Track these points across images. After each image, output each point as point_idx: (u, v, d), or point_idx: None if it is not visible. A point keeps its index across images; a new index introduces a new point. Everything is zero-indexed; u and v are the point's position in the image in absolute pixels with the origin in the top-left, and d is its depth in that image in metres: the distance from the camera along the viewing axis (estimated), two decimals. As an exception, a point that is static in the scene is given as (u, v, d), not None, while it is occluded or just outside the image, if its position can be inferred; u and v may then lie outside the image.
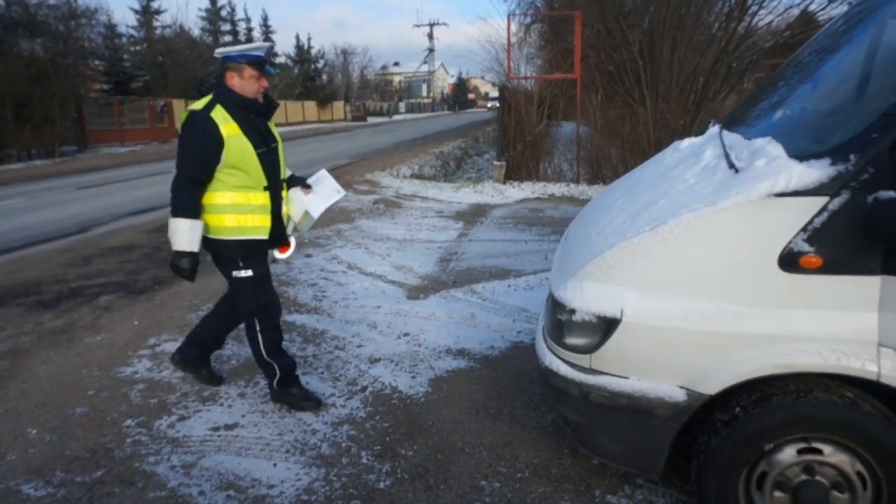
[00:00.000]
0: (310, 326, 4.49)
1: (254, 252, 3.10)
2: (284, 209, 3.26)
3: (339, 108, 49.78)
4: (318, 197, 3.40)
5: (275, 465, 2.81)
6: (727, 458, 2.03)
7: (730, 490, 2.05)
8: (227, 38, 41.86)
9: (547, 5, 19.22)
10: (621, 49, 11.80)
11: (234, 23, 42.38)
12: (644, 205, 2.36)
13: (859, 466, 1.94)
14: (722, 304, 1.97)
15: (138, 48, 33.42)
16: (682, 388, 2.06)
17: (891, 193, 1.73)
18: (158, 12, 33.95)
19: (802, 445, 1.98)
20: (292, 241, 3.40)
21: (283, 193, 3.25)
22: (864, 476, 1.94)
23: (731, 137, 2.55)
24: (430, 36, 73.49)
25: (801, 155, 1.91)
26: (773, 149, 2.01)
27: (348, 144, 23.46)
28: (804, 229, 1.85)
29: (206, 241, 3.07)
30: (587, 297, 2.18)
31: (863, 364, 1.85)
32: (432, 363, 3.83)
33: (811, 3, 10.86)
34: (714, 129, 3.02)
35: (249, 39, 43.56)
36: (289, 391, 3.30)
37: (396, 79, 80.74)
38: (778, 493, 2.01)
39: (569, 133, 14.70)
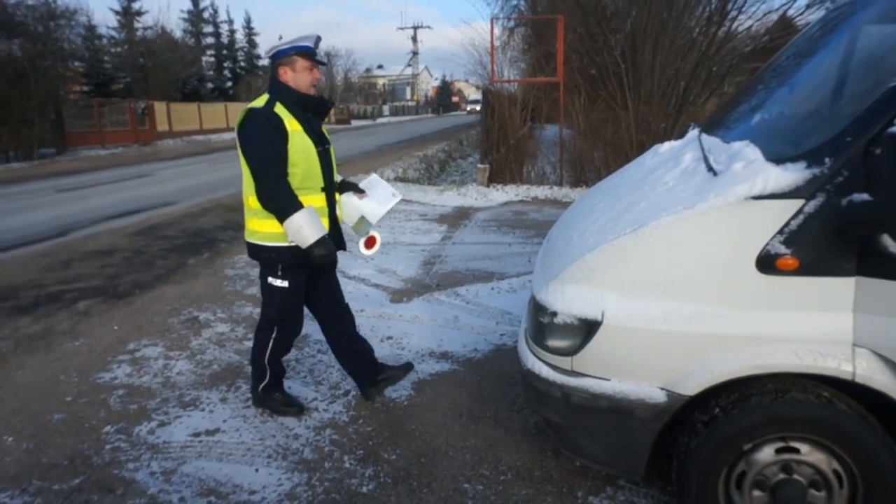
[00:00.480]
0: (292, 330, 4.46)
1: (300, 261, 2.97)
2: (339, 212, 3.23)
3: (322, 110, 49.53)
4: (374, 202, 3.32)
5: (256, 470, 2.78)
6: (707, 459, 2.05)
7: (709, 490, 2.07)
8: (210, 39, 41.55)
9: (530, 9, 19.35)
10: (603, 53, 11.91)
11: (216, 24, 42.05)
12: (625, 207, 2.38)
13: (836, 465, 1.97)
14: (701, 305, 1.99)
15: (119, 50, 33.02)
16: (662, 389, 2.08)
17: (864, 196, 1.76)
18: (139, 13, 33.60)
19: (780, 445, 2.00)
20: (377, 235, 3.32)
21: (336, 196, 3.21)
22: (840, 474, 1.97)
23: (710, 141, 2.58)
24: (414, 39, 73.50)
25: (777, 158, 1.94)
26: (750, 152, 2.03)
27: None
28: (781, 231, 1.88)
29: (258, 249, 3.01)
30: (568, 299, 2.19)
31: (838, 364, 1.88)
32: (416, 366, 3.82)
33: (789, 8, 11.07)
34: (693, 133, 3.05)
35: (232, 42, 43.27)
36: (271, 396, 3.28)
37: (380, 81, 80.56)
38: (757, 493, 2.03)
39: (552, 136, 14.76)
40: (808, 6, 10.62)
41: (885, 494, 1.92)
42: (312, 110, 3.05)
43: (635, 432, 2.15)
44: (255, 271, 5.97)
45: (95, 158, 20.65)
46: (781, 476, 2.00)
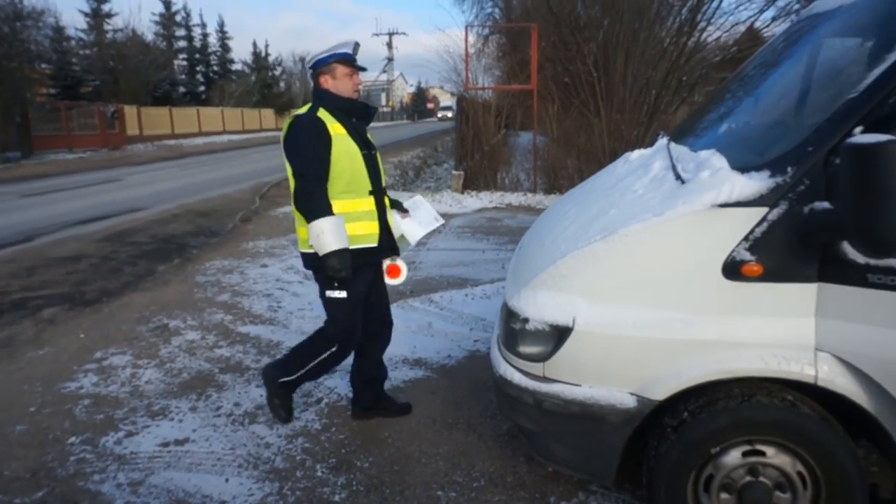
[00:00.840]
0: (264, 338, 4.41)
1: (357, 265, 2.90)
2: (389, 218, 3.15)
3: (297, 115, 49.23)
4: (415, 223, 3.26)
5: (227, 480, 2.74)
6: (676, 462, 2.07)
7: (678, 493, 2.09)
8: (182, 43, 41.01)
9: (504, 17, 19.54)
10: (577, 61, 12.05)
11: (189, 28, 41.51)
12: (595, 214, 2.41)
13: (800, 467, 2.01)
14: (669, 311, 2.02)
15: (88, 52, 32.44)
16: (632, 394, 2.10)
17: (825, 204, 1.81)
18: (109, 15, 33.06)
19: (747, 448, 2.04)
20: (402, 264, 3.20)
21: (386, 201, 3.16)
22: (804, 476, 2.02)
23: (679, 149, 2.63)
24: (390, 45, 73.44)
25: (742, 167, 1.98)
26: (716, 161, 2.08)
27: (306, 153, 23.19)
28: (746, 238, 1.92)
29: (312, 258, 2.93)
30: (540, 305, 2.21)
31: (801, 368, 1.92)
32: (389, 373, 3.79)
33: (756, 20, 11.36)
34: (662, 141, 3.10)
35: (205, 45, 42.79)
36: (281, 392, 3.12)
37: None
38: (724, 495, 2.07)
39: (526, 143, 14.87)
40: (773, 19, 10.95)
41: (847, 495, 1.97)
42: (357, 115, 3.05)
43: (606, 437, 2.17)
44: (227, 278, 5.90)
45: (62, 162, 20.23)
46: (748, 479, 2.04)
